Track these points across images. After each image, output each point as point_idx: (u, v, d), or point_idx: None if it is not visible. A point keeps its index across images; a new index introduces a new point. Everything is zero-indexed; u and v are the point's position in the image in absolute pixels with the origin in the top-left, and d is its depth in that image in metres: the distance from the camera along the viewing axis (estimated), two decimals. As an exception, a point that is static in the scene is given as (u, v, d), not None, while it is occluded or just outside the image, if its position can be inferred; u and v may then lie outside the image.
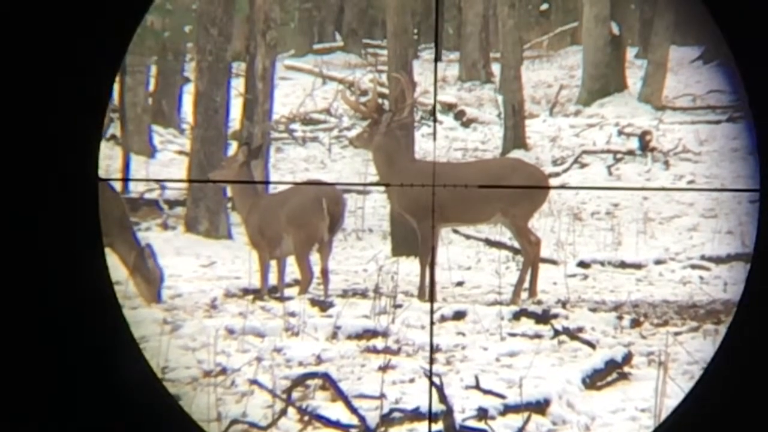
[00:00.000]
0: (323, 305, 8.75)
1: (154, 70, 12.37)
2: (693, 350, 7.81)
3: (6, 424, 5.09)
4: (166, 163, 11.39)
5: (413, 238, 9.40)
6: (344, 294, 9.11)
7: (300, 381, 7.23)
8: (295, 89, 13.47)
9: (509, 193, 9.26)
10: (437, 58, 14.62)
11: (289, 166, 12.00)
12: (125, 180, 9.86)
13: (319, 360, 7.78)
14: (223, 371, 7.47)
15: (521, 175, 9.39)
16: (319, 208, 9.03)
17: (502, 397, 7.13)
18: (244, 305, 8.66)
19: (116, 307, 5.36)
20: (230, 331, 8.07)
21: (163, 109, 12.41)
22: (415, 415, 6.86)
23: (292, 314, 8.42)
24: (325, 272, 9.15)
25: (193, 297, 8.91)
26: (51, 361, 5.15)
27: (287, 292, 9.12)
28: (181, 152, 11.71)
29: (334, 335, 8.18)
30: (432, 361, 7.57)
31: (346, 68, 13.87)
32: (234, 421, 6.84)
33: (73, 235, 5.12)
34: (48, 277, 5.09)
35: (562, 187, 10.10)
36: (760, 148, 5.15)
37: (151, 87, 12.23)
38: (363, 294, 9.11)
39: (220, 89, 10.94)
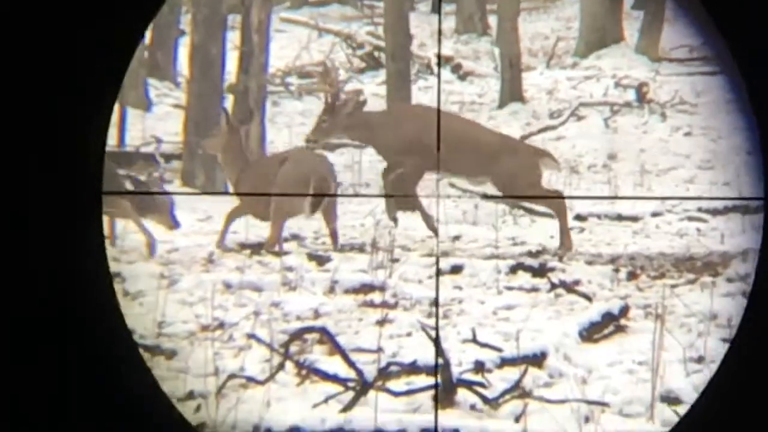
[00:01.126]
0: (321, 260, 8.75)
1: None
2: (690, 303, 7.84)
3: (5, 425, 5.11)
4: (161, 116, 11.34)
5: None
6: (341, 248, 9.11)
7: (297, 335, 7.26)
8: (290, 42, 13.38)
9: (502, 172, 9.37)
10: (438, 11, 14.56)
11: (285, 119, 11.94)
12: (129, 193, 9.82)
13: (317, 314, 7.80)
14: (221, 326, 7.50)
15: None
16: (304, 186, 9.01)
17: (499, 350, 7.16)
18: (242, 260, 8.66)
19: (119, 314, 5.36)
20: (227, 286, 8.08)
21: (159, 62, 12.33)
22: (412, 368, 6.89)
23: (290, 269, 8.43)
24: (333, 234, 9.16)
25: (190, 251, 8.91)
26: (51, 366, 5.15)
27: (285, 246, 9.12)
28: (177, 105, 11.64)
29: (331, 289, 8.20)
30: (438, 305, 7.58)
31: (342, 21, 13.78)
32: (231, 376, 6.87)
33: (78, 249, 5.12)
34: (52, 289, 5.11)
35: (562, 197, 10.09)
36: (765, 156, 5.16)
37: (147, 40, 12.14)
38: (360, 248, 9.11)
39: (215, 42, 10.88)
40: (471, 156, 9.45)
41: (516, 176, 9.48)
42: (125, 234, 8.82)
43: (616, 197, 10.24)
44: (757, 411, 5.24)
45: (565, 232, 9.33)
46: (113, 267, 8.21)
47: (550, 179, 10.14)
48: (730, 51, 5.10)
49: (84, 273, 5.16)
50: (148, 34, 12.11)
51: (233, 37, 11.13)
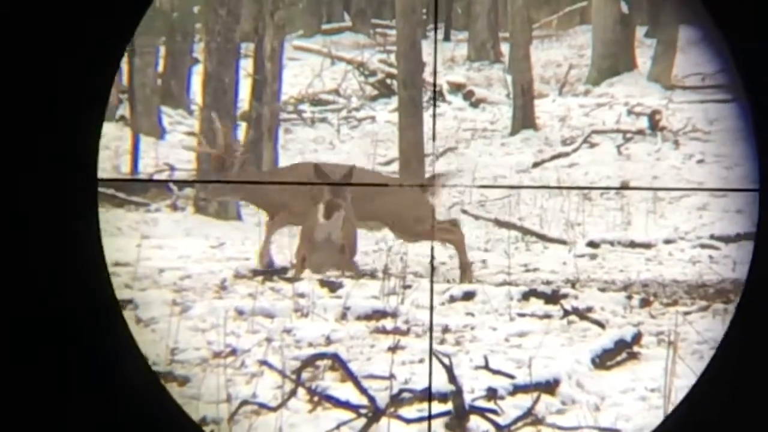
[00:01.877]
0: (332, 286, 8.76)
1: (163, 50, 12.36)
2: (702, 330, 7.81)
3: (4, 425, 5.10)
4: (175, 144, 11.39)
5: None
6: (354, 276, 9.12)
7: (309, 361, 7.25)
8: (303, 70, 13.45)
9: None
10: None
11: (298, 146, 11.99)
12: (125, 180, 9.87)
13: (329, 340, 7.80)
14: (233, 352, 7.49)
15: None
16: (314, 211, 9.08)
17: (511, 377, 7.14)
18: (254, 286, 8.67)
19: (116, 307, 5.35)
20: (240, 312, 8.08)
21: (172, 90, 12.39)
22: (424, 395, 6.87)
23: (302, 295, 8.44)
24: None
25: (203, 278, 8.93)
26: (49, 362, 5.13)
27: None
28: (190, 133, 11.70)
29: (343, 316, 8.19)
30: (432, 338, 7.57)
31: (355, 48, 13.84)
32: (244, 402, 6.86)
33: (74, 237, 5.10)
34: (47, 279, 5.07)
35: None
36: (759, 148, 5.16)
37: (160, 68, 12.21)
38: (372, 275, 9.11)
39: (228, 70, 10.93)
40: (355, 203, 9.44)
41: (401, 214, 9.47)
42: (138, 261, 8.84)
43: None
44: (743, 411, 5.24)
45: (464, 263, 9.31)
46: (125, 294, 8.29)
47: (562, 206, 10.15)
48: (743, 79, 5.11)
49: (80, 263, 5.12)
50: (161, 63, 12.20)
51: (246, 65, 11.19)
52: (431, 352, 6.93)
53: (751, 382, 5.23)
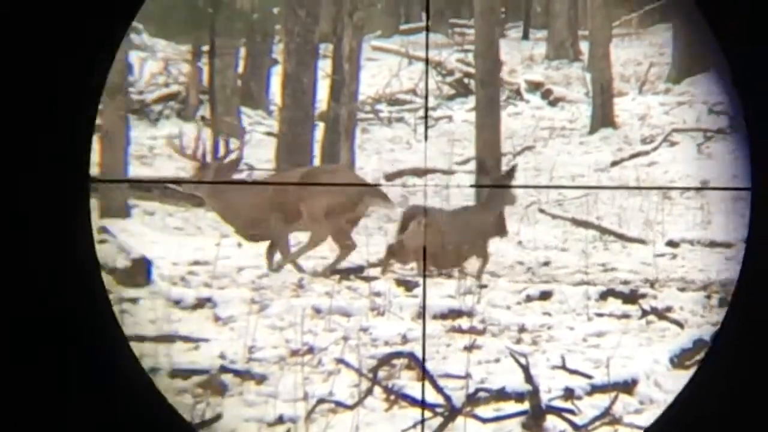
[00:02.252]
0: (409, 285, 8.78)
1: (243, 52, 12.46)
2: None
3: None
4: (254, 144, 11.47)
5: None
6: (430, 274, 9.12)
7: (386, 360, 7.27)
8: (381, 70, 13.47)
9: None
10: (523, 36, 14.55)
11: (374, 146, 12.02)
12: (117, 182, 9.96)
13: (405, 339, 7.81)
14: (310, 350, 7.53)
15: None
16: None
17: (588, 377, 7.11)
18: (331, 285, 8.72)
19: (107, 304, 5.35)
20: (317, 311, 8.13)
21: (252, 91, 12.49)
22: (501, 394, 6.86)
23: (378, 294, 8.46)
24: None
25: (281, 276, 8.99)
26: (44, 362, 5.13)
27: (373, 271, 9.16)
28: (269, 133, 11.79)
29: (419, 315, 8.20)
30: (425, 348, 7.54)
31: (433, 48, 13.84)
32: (321, 400, 6.89)
33: (66, 235, 5.11)
34: (39, 278, 5.06)
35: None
36: (752, 147, 5.12)
37: (240, 69, 12.32)
38: (448, 274, 9.11)
39: (307, 70, 11.00)
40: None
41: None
42: (217, 259, 8.94)
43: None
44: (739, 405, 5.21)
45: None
46: (204, 292, 8.38)
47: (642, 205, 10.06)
48: (721, 49, 5.09)
49: (73, 261, 5.13)
50: (241, 64, 12.30)
51: (325, 66, 11.24)
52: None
53: (744, 380, 5.19)
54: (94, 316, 5.19)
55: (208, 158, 9.40)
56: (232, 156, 9.42)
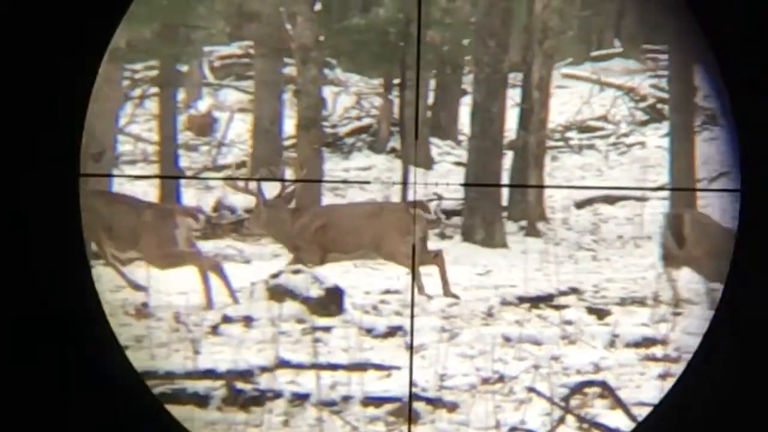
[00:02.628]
0: (601, 313, 8.68)
1: (433, 83, 12.56)
2: None
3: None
4: (443, 174, 11.55)
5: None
6: (622, 302, 9.00)
7: (578, 389, 7.21)
8: (571, 97, 13.38)
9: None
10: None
11: (564, 174, 11.93)
12: (107, 176, 10.09)
13: (597, 368, 7.72)
14: (501, 379, 7.52)
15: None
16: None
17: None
18: (521, 313, 8.68)
19: (98, 304, 5.35)
20: (507, 339, 8.11)
21: (441, 122, 12.57)
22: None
23: (569, 322, 8.39)
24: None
25: (470, 305, 9.00)
26: (43, 361, 5.16)
27: (563, 300, 9.09)
28: (458, 163, 11.84)
29: (611, 343, 8.10)
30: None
31: (625, 74, 13.66)
32: (513, 429, 6.88)
33: (56, 231, 5.13)
34: (30, 275, 5.11)
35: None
36: (741, 150, 4.92)
37: (430, 100, 12.42)
38: (641, 302, 8.96)
39: (496, 100, 11.01)
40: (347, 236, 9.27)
41: (382, 236, 9.20)
42: (407, 288, 9.01)
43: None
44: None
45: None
46: (395, 320, 8.45)
47: None
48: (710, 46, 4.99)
49: (62, 257, 5.15)
50: (431, 95, 12.41)
51: (514, 94, 11.24)
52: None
53: (734, 382, 5.02)
54: (80, 314, 5.22)
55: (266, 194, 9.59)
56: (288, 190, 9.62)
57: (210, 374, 7.35)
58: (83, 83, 5.25)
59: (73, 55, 5.13)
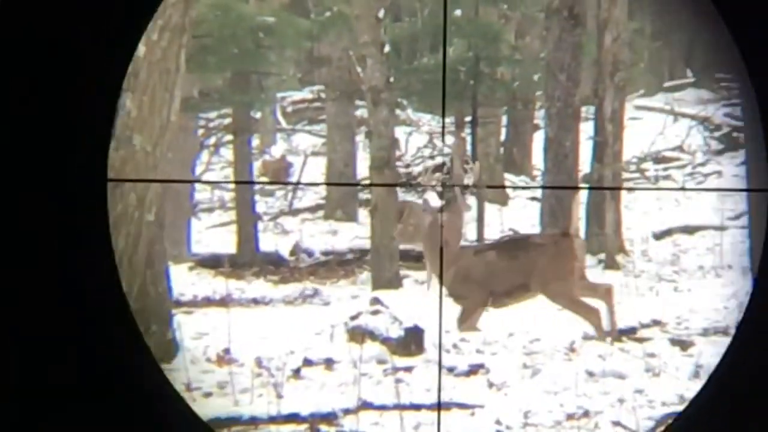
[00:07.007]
0: (684, 344, 8.60)
1: (504, 119, 12.59)
2: None
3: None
4: (518, 209, 11.56)
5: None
6: (705, 332, 8.91)
7: (664, 422, 7.14)
8: (645, 128, 13.34)
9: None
10: None
11: (641, 205, 11.88)
12: (135, 180, 10.13)
13: (683, 400, 7.65)
14: (586, 414, 7.47)
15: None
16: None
17: None
18: (603, 347, 8.63)
19: (125, 305, 5.33)
20: (590, 374, 8.06)
21: (515, 157, 12.60)
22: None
23: (652, 355, 8.33)
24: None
25: (552, 341, 8.95)
26: (60, 363, 5.13)
27: (645, 332, 9.02)
28: (533, 198, 11.85)
29: (696, 374, 8.02)
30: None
31: (698, 104, 13.60)
32: (599, 463, 6.84)
33: (83, 237, 5.10)
34: (57, 279, 5.06)
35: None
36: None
37: (502, 136, 12.45)
38: (724, 332, 8.87)
39: (569, 134, 11.02)
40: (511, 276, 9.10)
41: (546, 272, 9.01)
42: (481, 324, 9.02)
43: None
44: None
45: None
46: (476, 359, 8.43)
47: None
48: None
49: (90, 262, 5.11)
50: (503, 131, 12.43)
51: (587, 128, 11.22)
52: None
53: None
54: (108, 315, 5.19)
55: None
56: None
57: (294, 418, 7.37)
58: (112, 85, 5.24)
59: (101, 59, 5.11)
